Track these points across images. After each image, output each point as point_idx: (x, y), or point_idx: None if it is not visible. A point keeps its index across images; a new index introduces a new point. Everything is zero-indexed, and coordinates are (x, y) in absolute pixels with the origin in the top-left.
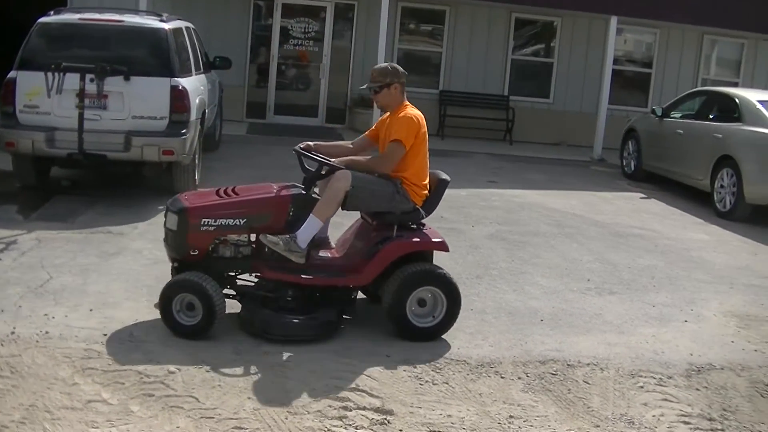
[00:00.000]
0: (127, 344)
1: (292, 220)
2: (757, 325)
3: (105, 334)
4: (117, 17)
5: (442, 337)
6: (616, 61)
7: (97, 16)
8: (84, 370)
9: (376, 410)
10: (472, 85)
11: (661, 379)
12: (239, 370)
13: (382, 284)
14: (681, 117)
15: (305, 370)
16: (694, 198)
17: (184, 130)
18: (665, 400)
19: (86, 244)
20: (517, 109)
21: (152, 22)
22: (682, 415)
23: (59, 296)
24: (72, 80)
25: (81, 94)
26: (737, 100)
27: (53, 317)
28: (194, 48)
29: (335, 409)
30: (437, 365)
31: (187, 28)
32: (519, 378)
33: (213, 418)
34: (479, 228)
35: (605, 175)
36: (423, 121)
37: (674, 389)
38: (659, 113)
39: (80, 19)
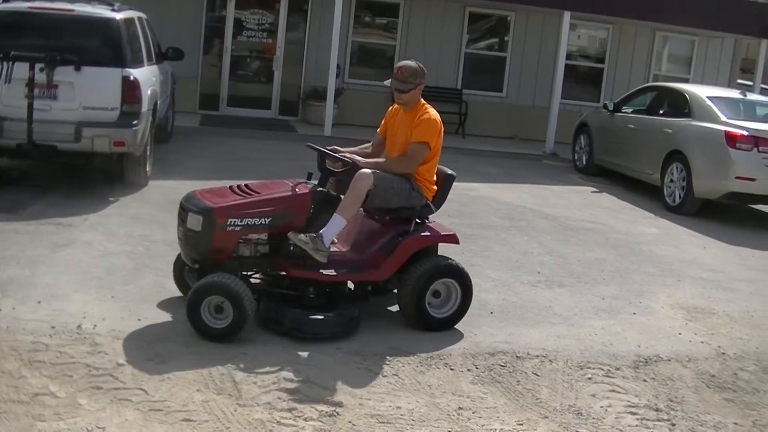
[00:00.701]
0: (75, 337)
1: (312, 218)
2: (704, 317)
3: (53, 327)
4: (67, 6)
5: (392, 330)
6: (569, 56)
7: (47, 4)
8: (31, 363)
9: (326, 402)
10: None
11: (609, 370)
12: (189, 363)
13: (392, 278)
14: (632, 112)
15: (255, 363)
16: (645, 192)
17: (135, 122)
18: (613, 391)
19: (35, 235)
20: (470, 102)
21: (103, 11)
22: (630, 406)
23: (7, 288)
24: (21, 70)
25: (30, 84)
26: (687, 96)
27: (0, 309)
28: (146, 38)
29: (285, 401)
30: (387, 357)
31: (139, 18)
32: (468, 370)
33: (162, 410)
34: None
35: (557, 169)
36: (441, 121)
37: (622, 380)
38: (611, 108)
39: (30, 7)
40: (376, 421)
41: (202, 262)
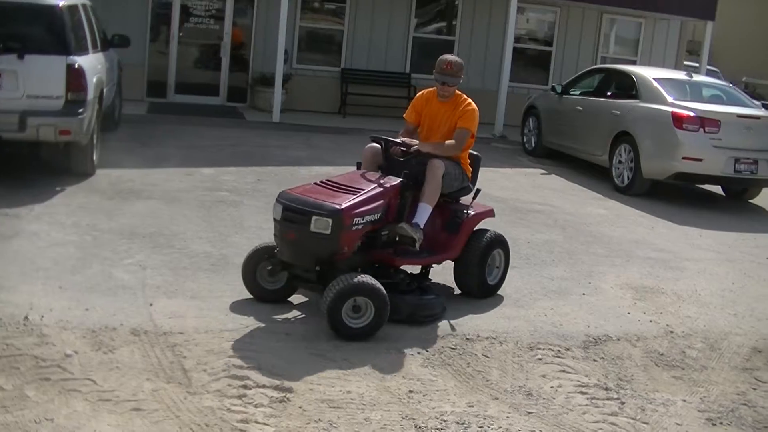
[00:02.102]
0: (22, 328)
1: (401, 208)
2: (652, 296)
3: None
4: None
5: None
6: (517, 39)
7: None
8: None
9: (276, 388)
10: (373, 63)
11: (558, 351)
12: (138, 352)
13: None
14: (580, 94)
15: (204, 350)
16: (593, 174)
17: (81, 110)
18: (563, 371)
19: None
20: (419, 86)
21: None
22: (580, 386)
23: None
24: None
25: None
26: (635, 78)
27: None
28: (91, 25)
29: (235, 387)
30: (337, 342)
31: (83, 5)
32: (418, 353)
33: (111, 400)
34: None
35: (506, 152)
36: None
37: (572, 361)
38: (559, 90)
39: None
40: (327, 406)
41: (323, 264)
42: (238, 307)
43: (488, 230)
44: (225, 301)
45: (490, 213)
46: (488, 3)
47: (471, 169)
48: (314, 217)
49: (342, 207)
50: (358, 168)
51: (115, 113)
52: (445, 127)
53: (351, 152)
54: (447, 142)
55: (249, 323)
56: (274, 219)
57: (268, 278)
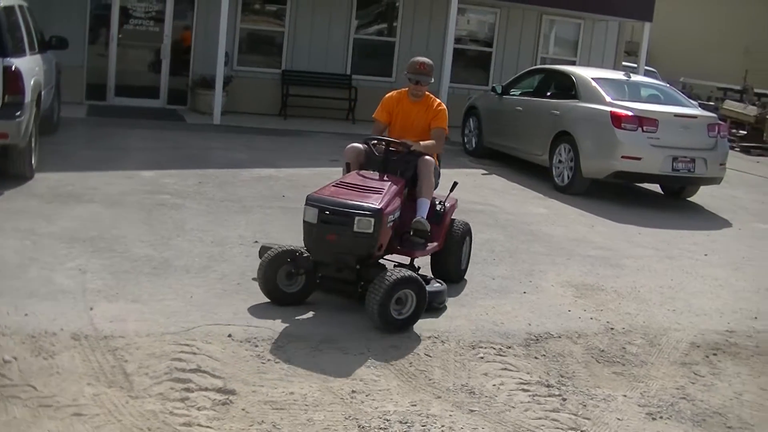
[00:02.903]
0: None
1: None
2: (592, 294)
3: None
4: None
5: (284, 316)
6: (458, 40)
7: None
8: None
9: (219, 390)
10: (314, 65)
11: (500, 349)
12: (78, 357)
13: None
14: (520, 94)
15: (145, 354)
16: (534, 173)
17: (18, 113)
18: (505, 369)
19: None
20: (360, 88)
21: None
22: (522, 383)
23: None
24: None
25: None
26: (574, 78)
27: None
28: (28, 27)
29: (177, 391)
30: (279, 343)
31: (20, 6)
32: (361, 353)
33: (51, 406)
34: None
35: (447, 152)
36: None
37: (513, 358)
38: (499, 91)
39: None
40: (270, 408)
41: (363, 261)
42: (179, 310)
43: (455, 219)
44: (167, 304)
45: (456, 204)
46: (429, 4)
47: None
48: (357, 218)
49: (380, 206)
50: (348, 169)
51: (54, 116)
52: (419, 126)
53: (292, 154)
54: (431, 141)
55: (191, 326)
56: (308, 222)
57: (286, 282)
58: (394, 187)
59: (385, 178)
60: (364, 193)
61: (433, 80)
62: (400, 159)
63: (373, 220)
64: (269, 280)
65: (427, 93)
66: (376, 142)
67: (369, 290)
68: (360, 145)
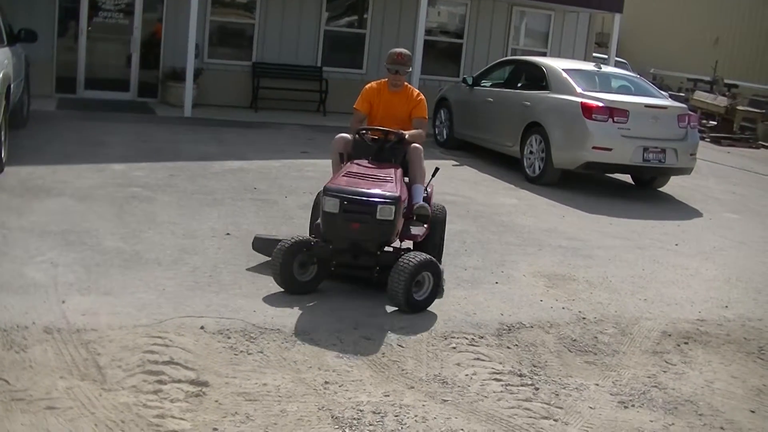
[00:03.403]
0: None
1: None
2: (564, 284)
3: None
4: None
5: (256, 308)
6: (429, 32)
7: None
8: None
9: (191, 382)
10: (285, 57)
11: (473, 339)
12: (51, 350)
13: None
14: (491, 86)
15: (118, 346)
16: (505, 164)
17: None
18: (477, 359)
19: None
20: (331, 80)
21: None
22: (494, 373)
23: None
24: None
25: None
26: (544, 69)
27: None
28: None
29: (150, 383)
30: (251, 335)
31: None
32: (333, 344)
33: (24, 400)
34: (292, 198)
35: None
36: None
37: (486, 348)
38: (470, 82)
39: None
40: (243, 399)
41: (382, 247)
42: (152, 303)
43: (435, 203)
44: (139, 297)
45: (432, 190)
46: None
47: None
48: (379, 206)
49: (399, 194)
50: (341, 159)
51: (24, 109)
52: (400, 115)
53: (263, 146)
54: (417, 130)
55: (163, 318)
56: (328, 212)
57: (299, 271)
58: (399, 174)
59: (387, 167)
60: (378, 182)
61: (410, 70)
62: (391, 148)
63: (393, 207)
64: (286, 270)
65: (405, 84)
66: (369, 132)
67: (392, 274)
68: (347, 135)
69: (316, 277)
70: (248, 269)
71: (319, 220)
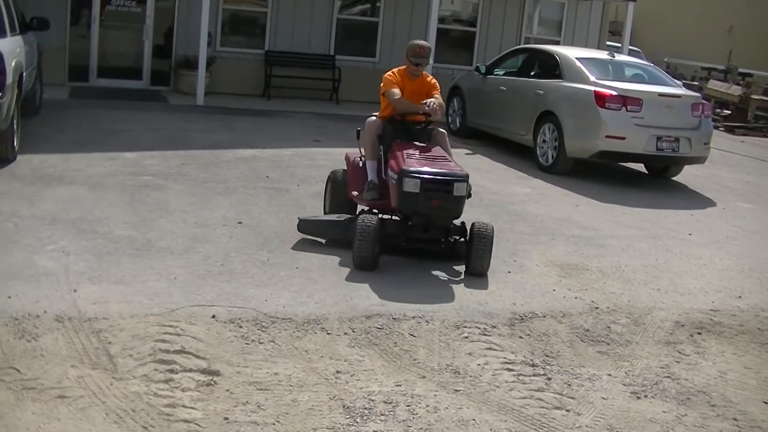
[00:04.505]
0: None
1: None
2: (576, 273)
3: None
4: None
5: (267, 296)
6: (442, 20)
7: None
8: None
9: (203, 371)
10: (297, 45)
11: (485, 328)
12: (62, 339)
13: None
14: (504, 74)
15: (129, 335)
16: (518, 153)
17: (0, 94)
18: (489, 348)
19: None
20: (343, 68)
21: None
22: (506, 363)
23: None
24: None
25: None
26: (558, 58)
27: None
28: (8, 8)
29: (161, 372)
30: (263, 324)
31: None
32: (345, 333)
33: (35, 388)
34: (305, 187)
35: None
36: None
37: (498, 338)
38: (483, 71)
39: None
40: (255, 389)
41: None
42: (163, 292)
43: None
44: (150, 285)
45: None
46: None
47: None
48: (456, 184)
49: (467, 172)
50: (379, 141)
51: (36, 98)
52: (421, 99)
53: (275, 135)
54: (437, 98)
55: (175, 307)
56: (410, 192)
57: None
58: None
59: (433, 148)
60: (443, 162)
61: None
62: (422, 130)
63: (465, 184)
64: (374, 249)
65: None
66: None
67: (476, 242)
68: (376, 119)
69: (379, 254)
70: (292, 248)
71: (394, 200)
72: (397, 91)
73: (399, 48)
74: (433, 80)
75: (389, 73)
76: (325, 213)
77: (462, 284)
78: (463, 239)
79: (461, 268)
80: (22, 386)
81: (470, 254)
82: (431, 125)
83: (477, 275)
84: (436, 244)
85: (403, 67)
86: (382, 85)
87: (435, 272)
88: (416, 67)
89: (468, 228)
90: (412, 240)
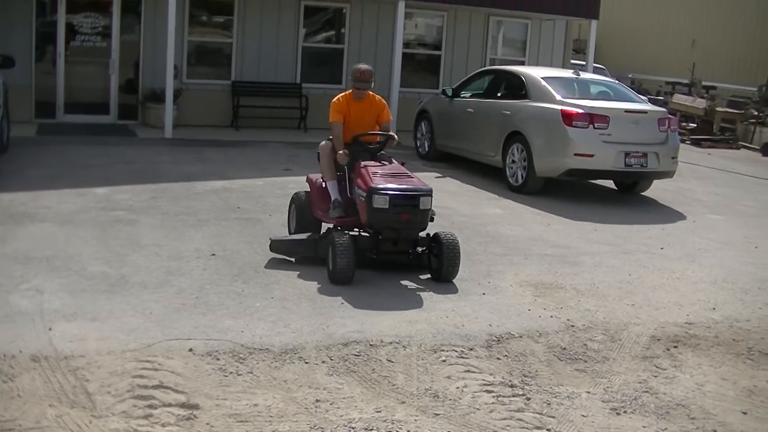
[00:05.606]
0: None
1: None
2: (551, 292)
3: None
4: None
5: (244, 328)
6: (407, 45)
7: None
8: None
9: (182, 405)
10: (264, 75)
11: (462, 351)
12: (39, 378)
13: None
14: (471, 96)
15: (106, 372)
16: (488, 174)
17: None
18: (468, 371)
19: None
20: (311, 96)
21: None
22: (485, 385)
23: None
24: None
25: None
26: (523, 78)
27: None
28: None
29: (140, 408)
30: (241, 355)
31: None
32: (323, 362)
33: (14, 429)
34: (276, 216)
35: (400, 157)
36: None
37: (476, 360)
38: (449, 94)
39: None
40: (234, 421)
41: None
42: (139, 327)
43: None
44: (126, 321)
45: None
46: (375, 9)
47: None
48: (422, 198)
49: (430, 186)
50: (319, 159)
51: (3, 136)
52: (368, 121)
53: (245, 165)
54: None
55: (151, 342)
56: (380, 208)
57: None
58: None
59: (394, 165)
60: (407, 179)
61: (373, 84)
62: (380, 149)
63: (430, 198)
64: (352, 264)
65: (368, 92)
66: (366, 137)
67: (446, 250)
68: (327, 142)
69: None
70: (267, 278)
71: (366, 216)
72: (336, 123)
73: None
74: (379, 99)
75: (336, 99)
76: (290, 233)
77: (437, 308)
78: (428, 250)
79: (435, 293)
80: (0, 428)
81: (441, 262)
82: (383, 145)
83: (448, 281)
84: (404, 255)
85: (350, 91)
86: (329, 112)
87: (404, 282)
88: (359, 91)
89: (432, 239)
90: (382, 252)
